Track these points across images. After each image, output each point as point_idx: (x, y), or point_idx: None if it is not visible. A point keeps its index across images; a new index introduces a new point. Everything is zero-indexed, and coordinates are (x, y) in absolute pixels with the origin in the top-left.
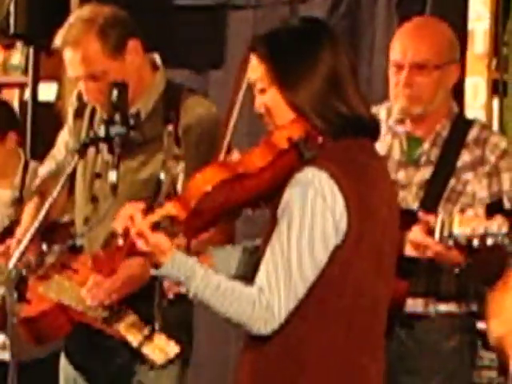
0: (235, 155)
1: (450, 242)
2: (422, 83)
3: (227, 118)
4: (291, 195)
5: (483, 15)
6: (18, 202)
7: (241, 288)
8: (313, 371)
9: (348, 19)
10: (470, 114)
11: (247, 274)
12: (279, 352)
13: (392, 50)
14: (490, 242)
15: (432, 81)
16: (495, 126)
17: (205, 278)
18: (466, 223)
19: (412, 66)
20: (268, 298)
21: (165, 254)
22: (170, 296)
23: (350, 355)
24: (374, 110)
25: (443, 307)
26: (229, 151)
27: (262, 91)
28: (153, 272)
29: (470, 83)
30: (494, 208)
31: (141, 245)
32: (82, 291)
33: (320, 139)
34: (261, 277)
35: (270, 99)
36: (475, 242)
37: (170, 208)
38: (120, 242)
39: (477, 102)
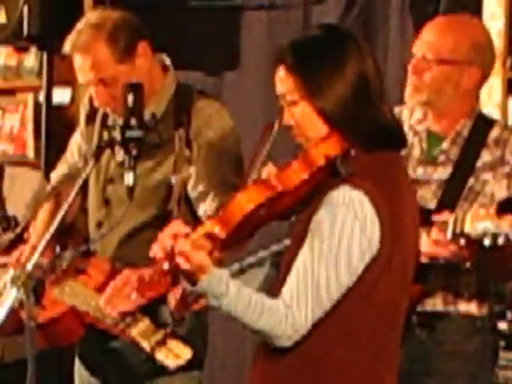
0: (270, 168)
1: (462, 241)
2: (428, 74)
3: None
4: (324, 215)
5: (498, 14)
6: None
7: (270, 304)
8: (335, 382)
9: (361, 21)
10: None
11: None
12: (301, 363)
13: None
14: (501, 241)
15: (437, 73)
16: (510, 125)
17: (237, 294)
18: (478, 221)
19: (421, 56)
20: (294, 315)
21: (204, 272)
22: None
23: (370, 367)
24: (397, 110)
25: (463, 307)
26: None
27: (293, 103)
28: (189, 288)
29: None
30: (505, 206)
31: (184, 264)
32: (101, 300)
33: (353, 152)
34: (289, 293)
35: (302, 112)
36: (486, 241)
37: (211, 226)
38: (166, 265)
39: (492, 101)
